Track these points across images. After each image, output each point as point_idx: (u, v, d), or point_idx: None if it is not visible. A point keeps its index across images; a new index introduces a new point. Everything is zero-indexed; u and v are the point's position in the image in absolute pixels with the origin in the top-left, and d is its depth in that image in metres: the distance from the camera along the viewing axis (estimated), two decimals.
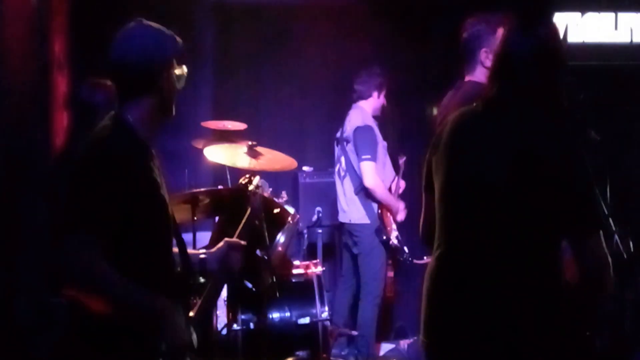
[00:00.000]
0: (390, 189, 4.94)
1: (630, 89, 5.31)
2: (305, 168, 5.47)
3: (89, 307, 2.04)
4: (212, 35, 5.71)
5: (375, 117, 4.94)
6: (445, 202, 2.15)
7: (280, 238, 3.70)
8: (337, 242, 5.55)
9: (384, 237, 4.76)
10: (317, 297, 3.81)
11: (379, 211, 4.80)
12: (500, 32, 2.83)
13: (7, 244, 3.60)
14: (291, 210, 3.94)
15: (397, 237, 4.88)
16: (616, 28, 5.46)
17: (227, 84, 5.87)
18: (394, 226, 4.91)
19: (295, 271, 4.00)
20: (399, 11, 5.59)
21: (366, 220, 4.79)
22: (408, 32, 5.52)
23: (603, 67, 5.38)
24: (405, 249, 4.90)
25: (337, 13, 5.61)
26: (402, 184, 5.05)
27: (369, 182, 4.67)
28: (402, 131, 5.70)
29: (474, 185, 2.06)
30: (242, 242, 2.58)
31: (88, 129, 3.24)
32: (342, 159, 4.91)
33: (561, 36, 2.15)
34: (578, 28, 5.40)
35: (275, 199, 4.05)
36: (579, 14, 5.42)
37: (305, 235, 5.24)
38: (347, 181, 4.88)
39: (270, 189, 4.21)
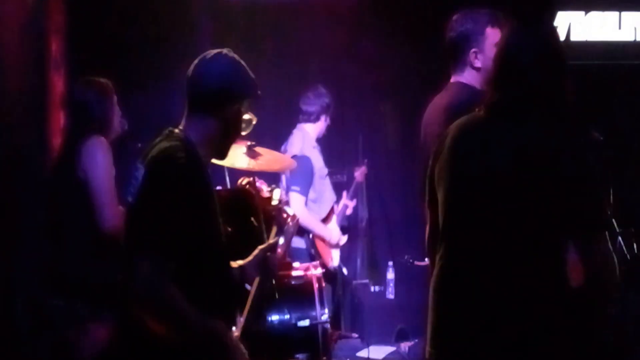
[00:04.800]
0: (333, 211, 4.82)
1: (634, 87, 5.28)
2: None
3: (150, 327, 2.02)
4: (212, 35, 5.68)
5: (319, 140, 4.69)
6: (450, 209, 2.11)
7: (280, 239, 3.67)
8: None
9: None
10: (316, 299, 3.77)
11: (311, 238, 4.63)
12: (488, 31, 2.75)
13: (6, 244, 3.59)
14: (290, 211, 3.91)
15: (333, 262, 4.76)
16: (620, 27, 5.44)
17: None
18: (334, 252, 4.79)
19: (294, 273, 3.97)
20: (401, 10, 5.56)
21: (302, 245, 4.62)
22: (410, 31, 5.48)
23: (607, 66, 5.36)
24: (345, 270, 4.85)
25: (338, 12, 5.57)
26: (350, 203, 4.98)
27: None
28: (402, 131, 5.67)
29: (480, 192, 2.03)
30: (272, 241, 2.68)
31: (82, 127, 3.24)
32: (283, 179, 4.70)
33: (561, 35, 2.12)
34: (581, 27, 5.38)
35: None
36: (582, 12, 5.39)
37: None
38: None
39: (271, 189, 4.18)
